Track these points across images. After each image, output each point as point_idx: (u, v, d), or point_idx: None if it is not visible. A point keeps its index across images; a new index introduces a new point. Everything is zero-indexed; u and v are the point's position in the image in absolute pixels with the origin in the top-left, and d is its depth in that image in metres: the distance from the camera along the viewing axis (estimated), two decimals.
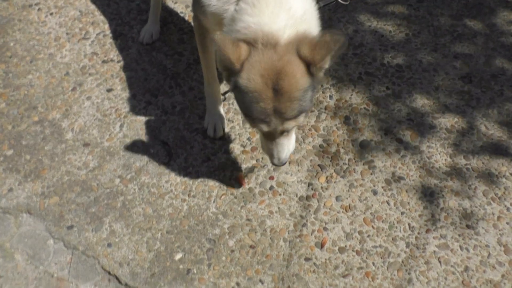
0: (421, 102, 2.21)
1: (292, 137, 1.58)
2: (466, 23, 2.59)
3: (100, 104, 2.23)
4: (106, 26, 2.61)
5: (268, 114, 1.33)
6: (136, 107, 2.21)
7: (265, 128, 1.40)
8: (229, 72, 1.34)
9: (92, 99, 2.25)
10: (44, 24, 2.61)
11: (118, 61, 2.42)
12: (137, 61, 2.42)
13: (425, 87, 2.27)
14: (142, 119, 2.17)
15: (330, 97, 2.23)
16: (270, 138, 1.51)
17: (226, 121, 2.11)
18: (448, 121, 2.14)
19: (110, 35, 2.56)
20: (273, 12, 1.30)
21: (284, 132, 1.46)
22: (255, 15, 1.31)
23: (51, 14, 2.67)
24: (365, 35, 2.53)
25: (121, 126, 2.14)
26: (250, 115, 1.37)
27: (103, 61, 2.42)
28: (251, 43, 1.30)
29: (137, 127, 2.14)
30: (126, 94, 2.27)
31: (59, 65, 2.40)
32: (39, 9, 2.69)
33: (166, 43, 2.51)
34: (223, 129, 2.08)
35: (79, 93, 2.27)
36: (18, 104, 2.22)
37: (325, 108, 2.19)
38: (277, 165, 1.59)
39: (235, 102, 2.22)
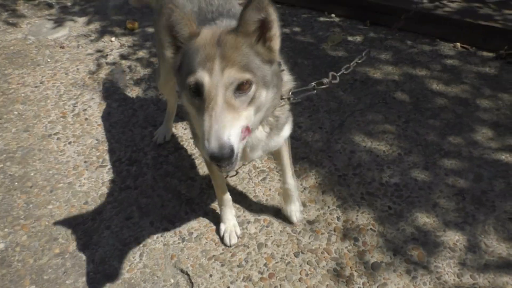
0: (422, 220, 2.38)
1: (240, 120, 1.30)
2: (451, 141, 2.87)
3: (119, 232, 2.32)
4: (122, 153, 2.79)
5: (211, 58, 1.28)
6: (154, 235, 2.31)
7: (205, 78, 1.27)
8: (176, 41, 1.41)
9: (112, 228, 2.34)
10: (63, 153, 2.78)
11: (135, 188, 2.56)
12: (152, 187, 2.57)
13: (423, 206, 2.45)
14: (161, 247, 2.25)
15: (338, 218, 2.39)
16: (207, 109, 1.26)
17: (240, 230, 2.31)
18: (450, 239, 2.29)
19: (126, 162, 2.73)
20: None
21: (226, 98, 1.27)
22: None
23: (70, 143, 2.85)
24: (362, 155, 2.77)
25: (141, 255, 2.22)
26: (192, 67, 1.30)
27: (120, 189, 2.56)
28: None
29: (156, 256, 2.21)
30: (144, 221, 2.38)
31: (78, 194, 2.52)
32: (58, 139, 2.88)
33: (179, 169, 2.69)
34: (238, 237, 2.28)
35: (99, 222, 2.37)
36: (39, 235, 2.29)
37: (334, 230, 2.33)
38: (214, 153, 1.19)
39: (249, 227, 2.35)
